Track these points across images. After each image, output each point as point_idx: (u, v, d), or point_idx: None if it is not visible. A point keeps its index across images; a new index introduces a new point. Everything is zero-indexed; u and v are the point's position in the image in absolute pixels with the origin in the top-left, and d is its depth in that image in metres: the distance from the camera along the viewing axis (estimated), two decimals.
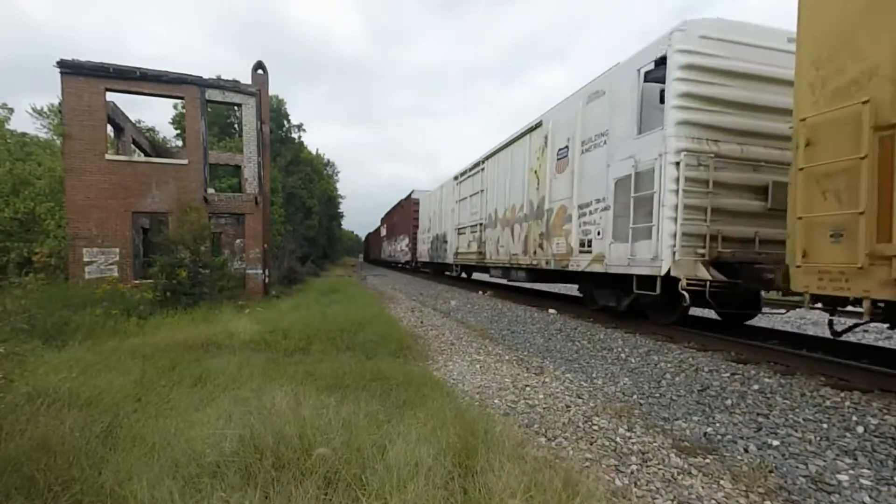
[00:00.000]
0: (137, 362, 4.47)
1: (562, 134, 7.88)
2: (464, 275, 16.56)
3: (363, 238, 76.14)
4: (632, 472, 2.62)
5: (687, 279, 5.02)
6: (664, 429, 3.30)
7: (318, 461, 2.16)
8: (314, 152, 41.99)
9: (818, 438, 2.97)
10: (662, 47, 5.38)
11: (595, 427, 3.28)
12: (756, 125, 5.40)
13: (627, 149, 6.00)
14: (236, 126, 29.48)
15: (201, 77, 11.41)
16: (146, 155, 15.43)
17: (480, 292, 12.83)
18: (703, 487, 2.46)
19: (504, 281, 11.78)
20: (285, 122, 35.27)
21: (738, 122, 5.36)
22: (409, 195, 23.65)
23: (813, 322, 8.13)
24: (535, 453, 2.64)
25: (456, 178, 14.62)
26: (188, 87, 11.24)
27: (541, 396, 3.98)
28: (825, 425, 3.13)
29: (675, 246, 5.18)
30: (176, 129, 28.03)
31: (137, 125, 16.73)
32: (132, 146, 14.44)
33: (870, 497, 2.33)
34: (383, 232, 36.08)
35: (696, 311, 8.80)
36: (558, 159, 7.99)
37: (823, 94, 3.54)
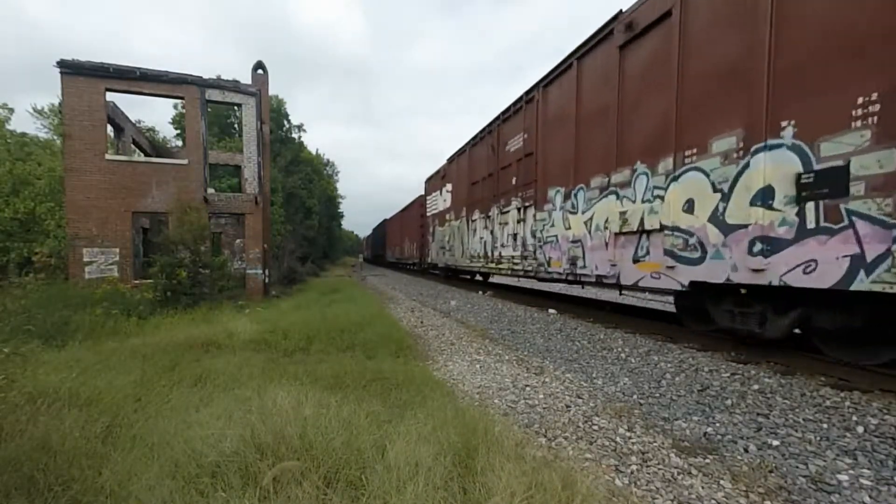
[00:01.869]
0: (137, 362, 4.47)
1: None
2: None
3: (365, 235, 65.54)
4: (632, 472, 2.62)
5: None
6: (664, 429, 3.30)
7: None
8: (314, 152, 42.04)
9: (818, 438, 2.97)
10: None
11: (595, 427, 3.28)
12: None
13: None
14: (236, 126, 29.50)
15: (201, 77, 11.42)
16: (146, 155, 15.44)
17: (480, 292, 12.83)
18: (703, 487, 2.45)
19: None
20: (285, 123, 35.30)
21: None
22: None
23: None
24: (534, 453, 2.64)
25: None
26: (188, 87, 11.25)
27: (541, 396, 3.98)
28: (825, 425, 3.13)
29: None
30: (176, 129, 28.05)
31: (137, 125, 16.73)
32: (132, 146, 14.45)
33: (870, 497, 2.33)
34: (444, 201, 14.88)
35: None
36: None
37: None
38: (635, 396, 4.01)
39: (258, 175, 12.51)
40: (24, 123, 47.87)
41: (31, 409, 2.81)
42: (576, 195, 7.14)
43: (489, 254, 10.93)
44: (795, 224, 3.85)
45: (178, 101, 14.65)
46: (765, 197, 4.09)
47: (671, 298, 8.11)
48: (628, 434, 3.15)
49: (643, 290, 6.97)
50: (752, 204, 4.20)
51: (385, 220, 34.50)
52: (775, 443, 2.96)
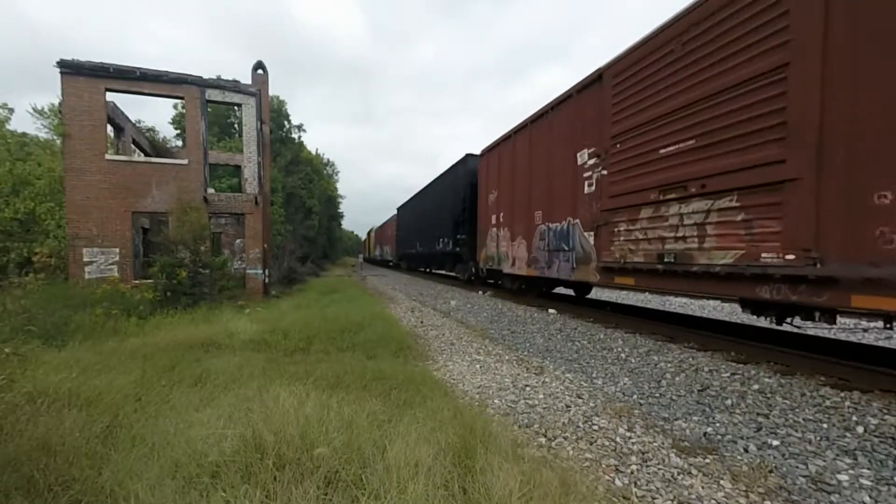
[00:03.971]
0: (137, 362, 4.47)
1: None
2: None
3: (368, 233, 49.57)
4: (632, 472, 2.62)
5: None
6: (664, 429, 3.30)
7: (318, 460, 2.16)
8: (314, 152, 42.01)
9: (818, 438, 2.97)
10: None
11: (595, 427, 3.28)
12: None
13: None
14: (236, 126, 29.49)
15: (201, 77, 11.42)
16: (146, 155, 15.44)
17: (480, 292, 12.82)
18: (703, 487, 2.46)
19: None
20: (286, 123, 35.29)
21: None
22: None
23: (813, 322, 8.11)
24: (534, 453, 2.65)
25: None
26: (188, 87, 11.24)
27: (541, 396, 3.98)
28: (825, 425, 3.13)
29: None
30: (176, 129, 28.03)
31: (137, 125, 16.73)
32: (132, 146, 14.44)
33: (870, 497, 2.33)
34: None
35: (696, 311, 8.76)
36: None
37: None
38: (635, 396, 4.01)
39: (258, 175, 12.50)
40: (24, 123, 47.91)
41: (31, 409, 2.81)
42: None
43: None
44: None
45: (178, 101, 14.64)
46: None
47: (670, 298, 8.38)
48: (628, 434, 3.15)
49: None
50: None
51: (475, 160, 13.03)
52: (775, 443, 2.96)
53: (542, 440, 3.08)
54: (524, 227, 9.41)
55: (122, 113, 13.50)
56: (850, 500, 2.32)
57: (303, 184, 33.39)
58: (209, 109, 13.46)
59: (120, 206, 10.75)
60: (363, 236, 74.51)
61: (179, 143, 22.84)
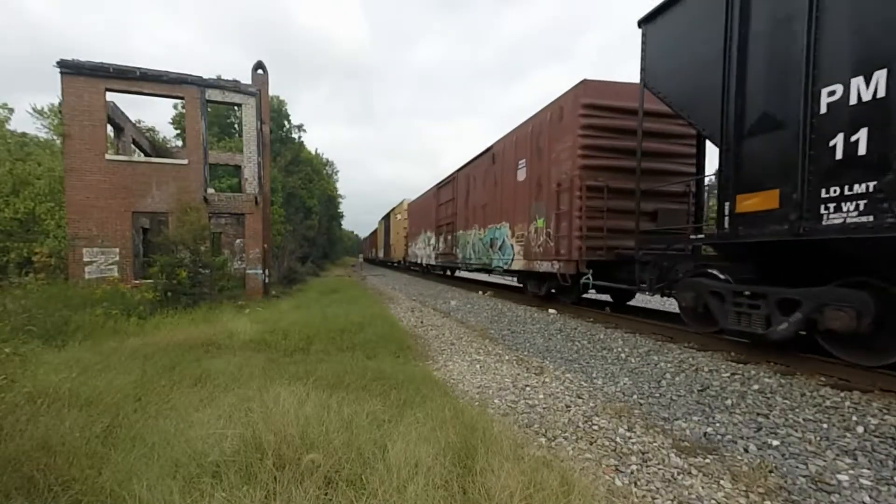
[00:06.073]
0: (137, 362, 4.47)
1: None
2: None
3: (385, 217, 23.44)
4: (632, 472, 2.62)
5: None
6: (664, 429, 3.30)
7: (311, 465, 2.15)
8: (314, 152, 42.01)
9: (818, 438, 2.97)
10: None
11: (595, 427, 3.28)
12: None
13: None
14: (236, 126, 29.51)
15: (201, 77, 11.42)
16: (146, 155, 15.44)
17: (480, 292, 12.83)
18: (703, 487, 2.46)
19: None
20: (286, 123, 35.32)
21: None
22: None
23: None
24: (534, 453, 2.64)
25: None
26: (188, 87, 11.25)
27: (541, 396, 3.98)
28: (825, 425, 3.13)
29: None
30: (176, 129, 28.05)
31: (137, 125, 16.72)
32: (132, 146, 14.45)
33: (870, 497, 2.33)
34: None
35: None
36: None
37: None
38: (635, 396, 4.01)
39: (258, 175, 12.51)
40: (24, 123, 47.86)
41: (31, 409, 2.81)
42: None
43: None
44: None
45: (178, 101, 14.65)
46: None
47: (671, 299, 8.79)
48: (628, 434, 3.15)
49: None
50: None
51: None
52: (775, 443, 2.96)
53: (543, 440, 3.08)
54: None
55: (122, 113, 13.51)
56: (850, 500, 2.32)
57: (303, 184, 33.44)
58: (209, 109, 13.47)
59: (120, 206, 10.76)
60: (363, 236, 72.29)
61: (179, 143, 22.84)
